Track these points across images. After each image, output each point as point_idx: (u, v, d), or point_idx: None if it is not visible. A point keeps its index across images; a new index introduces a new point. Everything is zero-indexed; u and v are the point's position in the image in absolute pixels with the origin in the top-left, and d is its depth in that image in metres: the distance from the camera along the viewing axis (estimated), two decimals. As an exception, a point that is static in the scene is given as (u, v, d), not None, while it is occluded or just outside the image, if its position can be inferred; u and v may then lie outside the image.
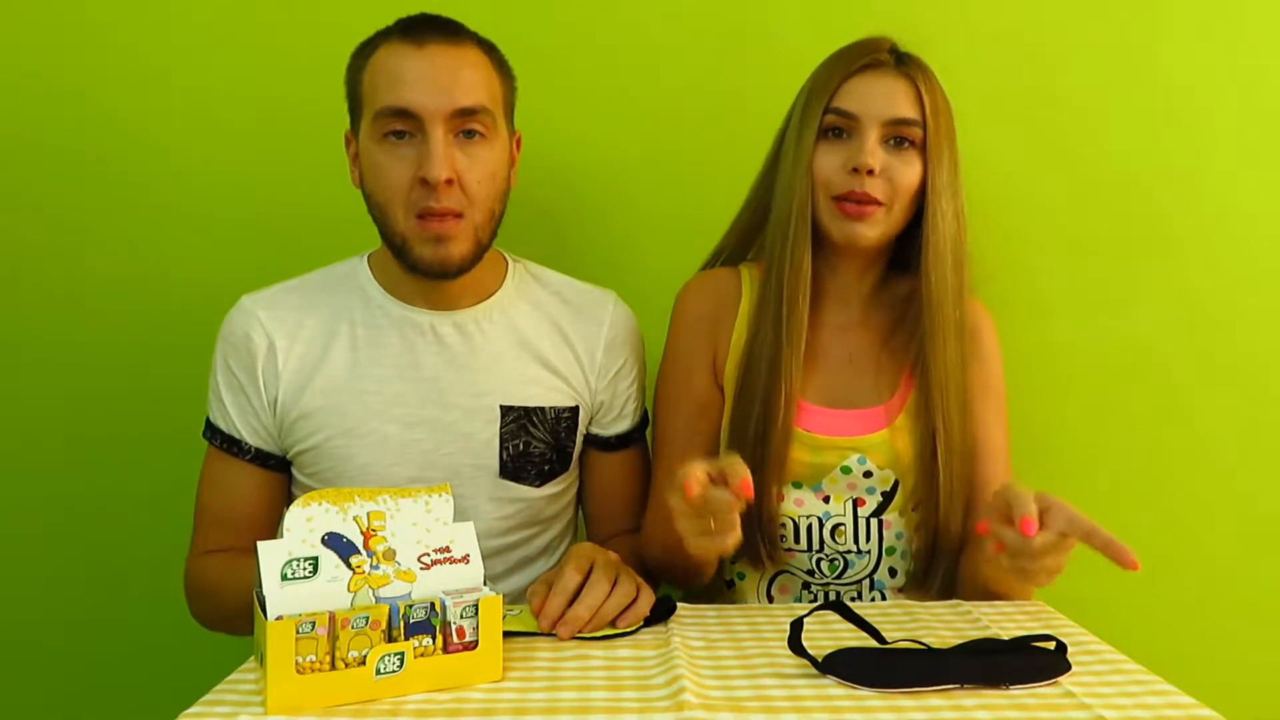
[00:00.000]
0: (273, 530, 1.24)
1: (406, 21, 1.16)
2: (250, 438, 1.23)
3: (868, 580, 1.28)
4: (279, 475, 1.26)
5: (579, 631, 1.00)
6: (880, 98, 1.18)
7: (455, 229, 1.15)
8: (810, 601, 1.28)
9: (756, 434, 1.22)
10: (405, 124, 1.13)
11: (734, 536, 0.97)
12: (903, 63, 1.20)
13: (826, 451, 1.24)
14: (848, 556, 1.26)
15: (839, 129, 1.19)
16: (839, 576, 1.27)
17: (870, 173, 1.16)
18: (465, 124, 1.14)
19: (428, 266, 1.16)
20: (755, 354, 1.24)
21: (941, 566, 1.25)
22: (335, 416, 1.20)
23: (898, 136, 1.18)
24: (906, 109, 1.18)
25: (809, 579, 1.28)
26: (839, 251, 1.25)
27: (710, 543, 0.98)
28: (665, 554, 1.21)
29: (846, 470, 1.25)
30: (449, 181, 1.12)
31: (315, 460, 1.22)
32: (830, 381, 1.27)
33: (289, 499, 1.27)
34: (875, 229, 1.19)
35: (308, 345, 1.22)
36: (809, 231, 1.21)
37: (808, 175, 1.20)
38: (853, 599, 1.27)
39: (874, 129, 1.17)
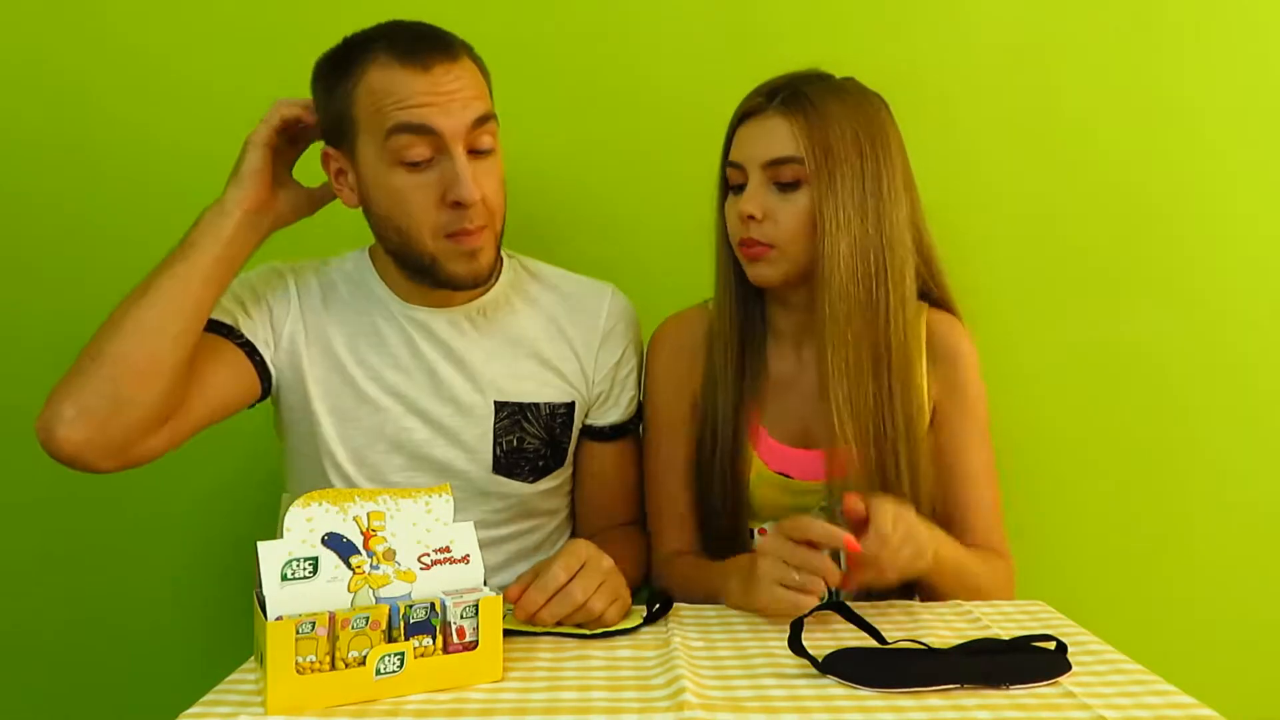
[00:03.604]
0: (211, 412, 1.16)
1: (395, 42, 1.12)
2: (244, 328, 1.18)
3: None
4: (254, 377, 1.19)
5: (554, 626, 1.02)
6: (757, 142, 1.19)
7: (481, 240, 1.16)
8: None
9: (724, 477, 1.24)
10: (425, 146, 1.11)
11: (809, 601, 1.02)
12: (785, 103, 1.18)
13: (805, 495, 1.24)
14: (834, 592, 1.26)
15: (738, 183, 1.21)
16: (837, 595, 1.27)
17: (752, 218, 1.18)
18: (479, 137, 1.13)
19: (461, 281, 1.18)
20: (706, 407, 1.27)
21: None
22: (331, 398, 1.21)
23: (779, 178, 1.18)
24: (781, 148, 1.17)
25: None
26: (778, 290, 1.24)
27: (784, 596, 1.03)
28: (685, 594, 1.20)
29: (827, 510, 1.24)
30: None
31: (313, 440, 1.22)
32: (801, 423, 1.26)
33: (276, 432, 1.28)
34: (774, 268, 1.20)
35: (317, 320, 1.23)
36: (732, 280, 1.25)
37: (722, 229, 1.24)
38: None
39: (756, 174, 1.19)
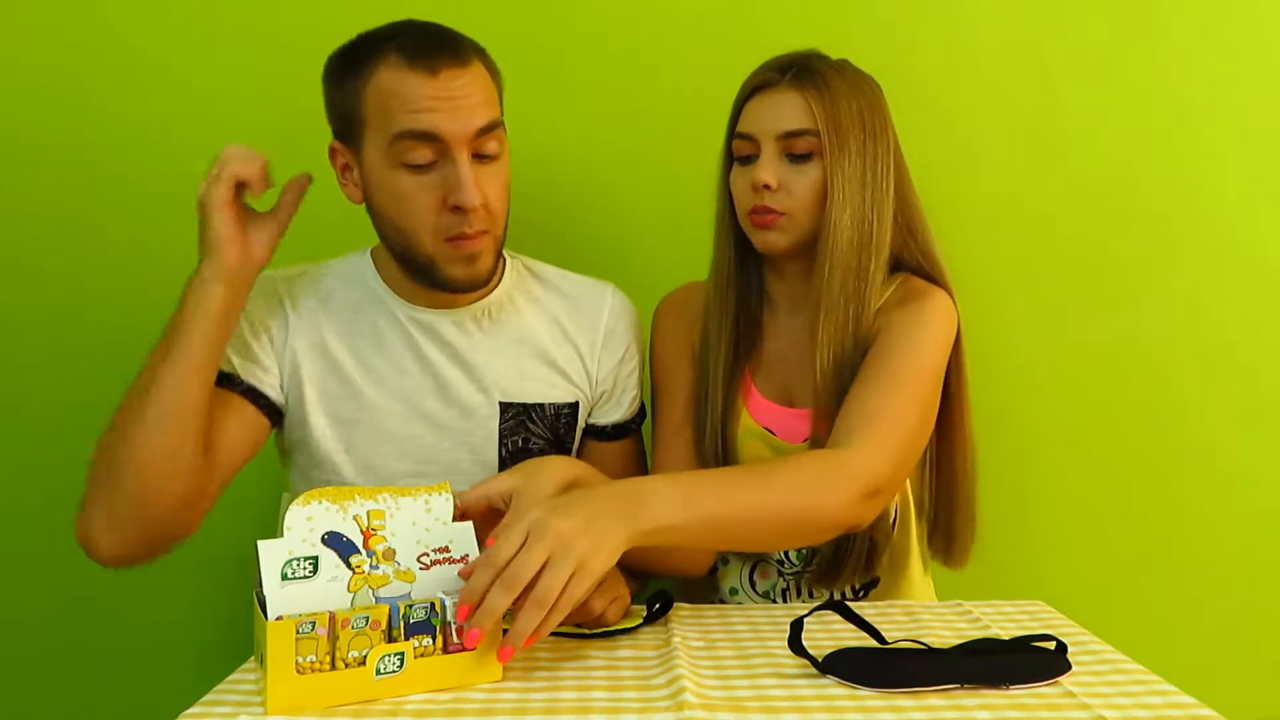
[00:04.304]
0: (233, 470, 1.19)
1: (406, 43, 1.12)
2: (244, 373, 1.18)
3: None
4: (264, 421, 1.20)
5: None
6: (770, 115, 1.22)
7: (480, 245, 1.16)
8: (786, 589, 1.31)
9: (715, 430, 1.28)
10: (429, 149, 1.11)
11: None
12: (798, 78, 1.21)
13: (787, 454, 1.26)
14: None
15: (747, 154, 1.24)
16: (806, 565, 1.28)
17: (766, 187, 1.21)
18: (485, 143, 1.13)
19: (458, 284, 1.18)
20: (702, 365, 1.30)
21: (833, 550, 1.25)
22: (337, 405, 1.21)
23: (792, 149, 1.21)
24: (797, 120, 1.20)
25: (781, 568, 1.30)
26: (776, 260, 1.28)
27: None
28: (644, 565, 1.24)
29: None
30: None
31: (316, 450, 1.22)
32: (790, 384, 1.30)
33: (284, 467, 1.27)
34: (784, 236, 1.23)
35: (315, 329, 1.22)
36: (732, 249, 1.29)
37: (727, 199, 1.28)
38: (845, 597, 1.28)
39: (769, 145, 1.22)
